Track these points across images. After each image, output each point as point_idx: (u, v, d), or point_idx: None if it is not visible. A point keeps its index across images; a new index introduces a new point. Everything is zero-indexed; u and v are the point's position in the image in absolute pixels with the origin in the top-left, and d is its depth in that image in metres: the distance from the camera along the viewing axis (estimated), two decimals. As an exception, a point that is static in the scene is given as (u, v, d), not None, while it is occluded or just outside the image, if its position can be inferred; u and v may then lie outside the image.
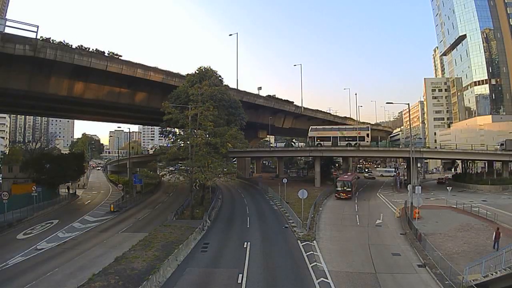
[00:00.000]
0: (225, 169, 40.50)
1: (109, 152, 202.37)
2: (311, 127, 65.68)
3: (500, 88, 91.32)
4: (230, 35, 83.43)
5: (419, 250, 22.92)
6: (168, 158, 37.88)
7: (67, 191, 55.69)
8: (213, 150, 37.59)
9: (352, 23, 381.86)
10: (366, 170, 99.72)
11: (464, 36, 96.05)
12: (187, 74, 48.27)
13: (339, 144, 61.25)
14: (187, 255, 23.00)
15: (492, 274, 15.37)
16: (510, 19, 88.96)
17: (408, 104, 41.90)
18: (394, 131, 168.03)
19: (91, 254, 23.92)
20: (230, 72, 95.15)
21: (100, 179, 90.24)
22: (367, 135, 62.38)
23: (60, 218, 37.95)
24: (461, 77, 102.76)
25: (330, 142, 61.54)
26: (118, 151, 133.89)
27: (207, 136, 37.88)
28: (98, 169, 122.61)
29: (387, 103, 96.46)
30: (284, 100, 72.29)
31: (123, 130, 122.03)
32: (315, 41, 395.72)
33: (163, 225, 30.07)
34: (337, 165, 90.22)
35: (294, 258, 22.36)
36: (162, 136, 55.12)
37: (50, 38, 35.48)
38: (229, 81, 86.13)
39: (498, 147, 59.91)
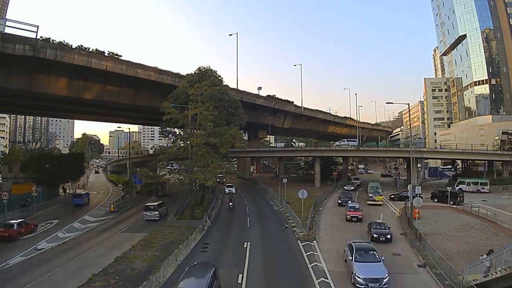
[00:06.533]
0: (224, 169, 40.47)
1: (109, 152, 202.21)
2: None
3: (500, 88, 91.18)
4: (230, 35, 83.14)
5: (419, 250, 22.91)
6: (168, 158, 37.88)
7: (63, 191, 55.46)
8: (213, 150, 37.59)
9: (352, 23, 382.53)
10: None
11: (464, 36, 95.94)
12: (187, 74, 48.28)
13: None
14: (187, 255, 22.99)
15: (492, 274, 15.35)
16: (510, 19, 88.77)
17: (408, 104, 41.98)
18: (394, 131, 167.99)
19: (91, 254, 23.91)
20: (230, 72, 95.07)
21: (100, 179, 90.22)
22: None
23: (60, 218, 37.95)
24: (461, 77, 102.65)
25: None
26: (118, 151, 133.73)
27: (207, 136, 37.90)
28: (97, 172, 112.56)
29: (387, 103, 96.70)
30: (284, 100, 72.29)
31: (123, 130, 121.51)
32: (315, 41, 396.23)
33: (163, 225, 30.10)
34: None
35: (294, 258, 22.35)
36: (162, 136, 55.06)
37: (50, 38, 35.52)
38: (229, 81, 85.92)
39: (497, 137, 59.45)
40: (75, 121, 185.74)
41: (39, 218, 37.98)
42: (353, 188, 58.20)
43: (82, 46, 38.67)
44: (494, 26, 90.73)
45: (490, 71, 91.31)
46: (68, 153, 76.32)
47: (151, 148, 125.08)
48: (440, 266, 19.24)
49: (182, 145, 38.36)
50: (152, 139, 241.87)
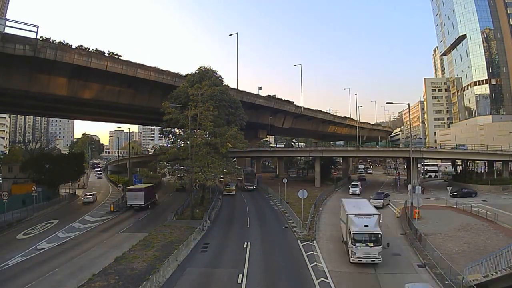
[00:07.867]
0: (225, 169, 40.44)
1: (109, 152, 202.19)
2: None
3: (500, 88, 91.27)
4: (230, 35, 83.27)
5: (419, 250, 22.92)
6: (168, 158, 37.87)
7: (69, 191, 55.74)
8: (213, 150, 37.57)
9: (352, 23, 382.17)
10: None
11: (464, 36, 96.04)
12: (187, 74, 48.24)
13: None
14: (187, 255, 23.02)
15: (492, 274, 15.35)
16: (510, 19, 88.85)
17: (408, 104, 42.07)
18: (394, 131, 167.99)
19: (91, 254, 23.94)
20: (230, 72, 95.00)
21: (100, 179, 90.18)
22: None
23: (60, 218, 37.97)
24: (461, 77, 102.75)
25: None
26: (118, 151, 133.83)
27: (207, 136, 37.86)
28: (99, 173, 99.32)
29: (387, 103, 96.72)
30: (284, 100, 72.22)
31: (123, 130, 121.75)
32: (315, 41, 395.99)
33: (163, 225, 30.10)
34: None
35: (294, 258, 22.37)
36: (162, 136, 55.00)
37: (50, 38, 35.45)
38: (229, 81, 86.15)
39: None
40: (75, 121, 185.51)
41: (39, 218, 38.06)
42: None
43: (82, 46, 38.63)
44: (494, 26, 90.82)
45: (490, 71, 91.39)
46: (68, 153, 76.37)
47: (151, 148, 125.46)
48: (440, 266, 19.25)
49: (182, 145, 38.35)
50: (152, 139, 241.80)
